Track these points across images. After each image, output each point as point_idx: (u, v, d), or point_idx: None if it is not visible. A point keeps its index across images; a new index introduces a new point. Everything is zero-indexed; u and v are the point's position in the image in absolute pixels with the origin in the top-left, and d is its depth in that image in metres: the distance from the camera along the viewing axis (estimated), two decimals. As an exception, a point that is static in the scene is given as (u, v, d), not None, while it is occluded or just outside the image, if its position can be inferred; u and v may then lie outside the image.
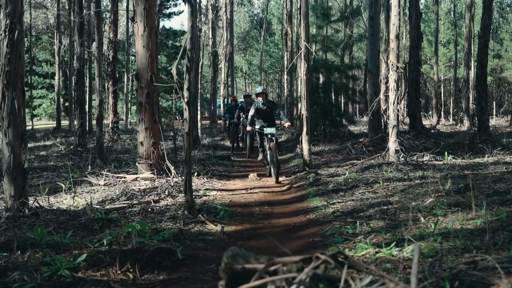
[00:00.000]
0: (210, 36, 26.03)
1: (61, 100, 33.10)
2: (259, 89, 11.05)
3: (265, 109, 10.71)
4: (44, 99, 44.46)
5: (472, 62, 26.86)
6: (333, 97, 20.43)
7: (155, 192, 8.08)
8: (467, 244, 3.98)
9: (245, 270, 2.23)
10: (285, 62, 31.55)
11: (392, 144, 10.38)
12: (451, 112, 36.89)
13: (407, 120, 18.38)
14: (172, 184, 8.59)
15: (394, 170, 9.22)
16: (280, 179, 10.37)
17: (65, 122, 33.19)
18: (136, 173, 9.71)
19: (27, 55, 36.26)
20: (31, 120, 30.33)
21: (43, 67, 44.12)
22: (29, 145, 16.87)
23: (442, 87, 43.06)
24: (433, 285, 2.38)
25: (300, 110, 11.42)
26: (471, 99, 25.67)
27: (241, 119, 16.35)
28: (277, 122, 17.50)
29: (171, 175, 9.12)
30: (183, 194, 7.13)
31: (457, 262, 2.93)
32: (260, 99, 10.74)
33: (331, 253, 2.21)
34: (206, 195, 8.42)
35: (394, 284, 2.03)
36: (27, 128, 10.47)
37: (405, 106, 21.26)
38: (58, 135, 23.26)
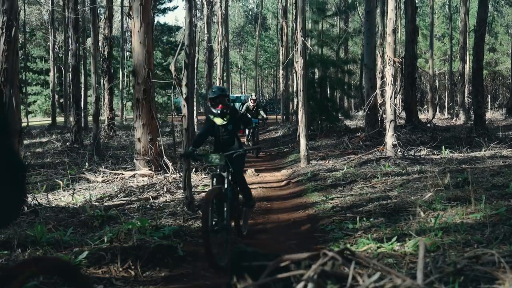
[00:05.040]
0: (206, 32, 25.88)
1: (56, 96, 32.89)
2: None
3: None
4: (38, 95, 44.26)
5: (468, 56, 26.84)
6: (329, 92, 20.42)
7: (154, 189, 8.06)
8: (468, 238, 3.99)
9: (253, 267, 2.23)
10: (281, 57, 31.46)
11: (390, 138, 10.37)
12: (446, 106, 36.92)
13: (403, 114, 18.39)
14: (170, 181, 8.58)
15: (392, 165, 9.23)
16: (279, 174, 10.45)
17: (60, 119, 33.01)
18: (134, 170, 9.69)
19: (21, 51, 36.00)
20: (26, 117, 30.23)
21: (37, 63, 43.89)
22: (25, 142, 16.81)
23: (437, 81, 43.08)
24: (438, 280, 2.39)
25: (297, 105, 11.42)
26: (466, 93, 25.66)
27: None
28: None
29: (169, 171, 9.11)
30: (182, 190, 7.12)
31: (460, 257, 2.94)
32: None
33: (338, 249, 2.21)
34: (204, 191, 8.40)
35: (402, 280, 2.04)
36: (22, 125, 10.38)
37: (400, 100, 21.27)
38: (53, 132, 23.11)
